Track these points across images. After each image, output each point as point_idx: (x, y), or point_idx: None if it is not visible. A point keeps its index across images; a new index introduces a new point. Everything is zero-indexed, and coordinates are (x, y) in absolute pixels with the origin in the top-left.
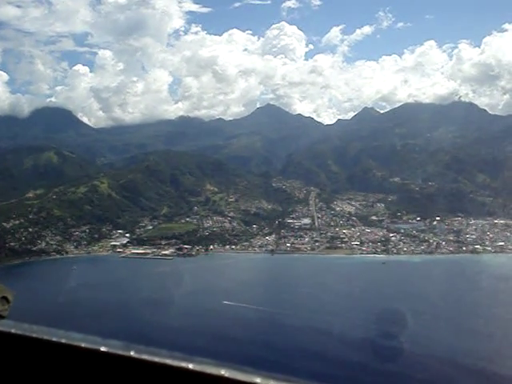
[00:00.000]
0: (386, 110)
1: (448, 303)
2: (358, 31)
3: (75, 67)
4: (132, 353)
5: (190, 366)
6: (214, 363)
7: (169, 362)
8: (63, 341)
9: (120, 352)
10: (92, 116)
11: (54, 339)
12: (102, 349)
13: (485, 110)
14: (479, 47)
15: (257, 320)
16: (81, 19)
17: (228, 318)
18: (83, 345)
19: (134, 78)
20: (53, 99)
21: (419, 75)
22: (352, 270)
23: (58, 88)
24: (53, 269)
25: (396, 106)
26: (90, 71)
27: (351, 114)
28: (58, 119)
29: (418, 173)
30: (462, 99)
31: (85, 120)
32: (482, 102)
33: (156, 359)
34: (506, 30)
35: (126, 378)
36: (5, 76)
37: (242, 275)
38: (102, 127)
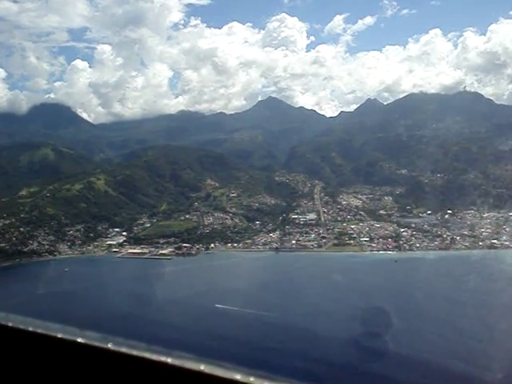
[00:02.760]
0: (389, 102)
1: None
2: (362, 21)
3: (74, 62)
4: (110, 345)
5: (169, 360)
6: (194, 358)
7: (147, 355)
8: (39, 331)
9: (98, 344)
10: (91, 112)
11: (30, 329)
12: (79, 340)
13: (491, 100)
14: (485, 35)
15: (249, 326)
16: (78, 13)
17: (213, 323)
18: (60, 335)
19: (134, 73)
20: (51, 95)
21: (424, 65)
22: (362, 269)
23: (57, 84)
24: (43, 271)
25: (400, 96)
26: (89, 66)
27: (354, 107)
28: (57, 115)
29: (426, 164)
30: (468, 89)
31: (84, 116)
32: (487, 91)
33: (134, 352)
34: None
35: (104, 370)
36: (2, 72)
37: (244, 276)
38: (102, 123)
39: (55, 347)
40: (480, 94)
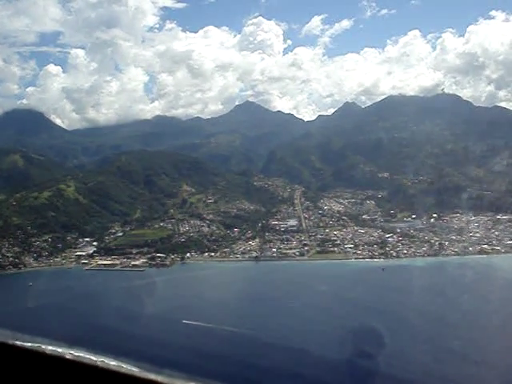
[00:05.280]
0: (367, 105)
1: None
2: (340, 23)
3: (47, 67)
4: (99, 362)
5: (159, 378)
6: (184, 376)
7: (136, 373)
8: (28, 346)
9: (87, 361)
10: (65, 117)
11: (18, 344)
12: (68, 356)
13: (470, 102)
14: (464, 36)
15: (220, 344)
16: (51, 17)
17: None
18: (48, 352)
19: (108, 78)
20: (24, 101)
21: (403, 66)
22: (348, 280)
23: (30, 89)
24: (5, 286)
25: (379, 99)
26: (63, 71)
27: (332, 111)
28: (30, 121)
29: (408, 167)
30: (446, 91)
31: (58, 122)
32: (464, 93)
33: (123, 370)
34: (492, 18)
35: None
36: None
37: (220, 290)
38: (76, 129)
39: (46, 363)
40: (458, 96)
